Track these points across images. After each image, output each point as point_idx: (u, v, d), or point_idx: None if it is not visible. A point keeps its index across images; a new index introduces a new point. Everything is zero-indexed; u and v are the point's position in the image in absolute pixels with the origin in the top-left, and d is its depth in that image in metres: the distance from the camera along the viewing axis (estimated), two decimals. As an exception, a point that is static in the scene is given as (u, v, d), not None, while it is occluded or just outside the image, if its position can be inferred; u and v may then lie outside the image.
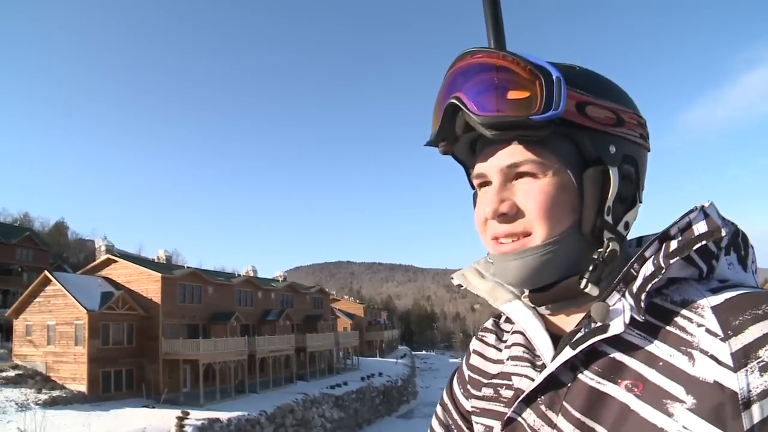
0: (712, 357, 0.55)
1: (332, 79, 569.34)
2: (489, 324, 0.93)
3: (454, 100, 0.66)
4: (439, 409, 0.97)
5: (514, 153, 0.66)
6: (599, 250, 0.66)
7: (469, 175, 0.78)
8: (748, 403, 0.52)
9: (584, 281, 0.66)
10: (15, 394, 26.13)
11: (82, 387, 28.02)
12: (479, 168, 0.70)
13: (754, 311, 0.55)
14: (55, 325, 29.77)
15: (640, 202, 0.70)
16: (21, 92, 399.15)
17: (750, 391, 0.52)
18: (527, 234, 0.66)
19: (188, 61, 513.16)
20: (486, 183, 0.70)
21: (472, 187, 0.78)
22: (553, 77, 0.63)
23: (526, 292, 0.74)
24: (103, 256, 34.16)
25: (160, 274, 31.99)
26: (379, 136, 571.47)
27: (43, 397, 26.36)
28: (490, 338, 0.90)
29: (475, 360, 0.89)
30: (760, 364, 0.52)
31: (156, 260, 38.50)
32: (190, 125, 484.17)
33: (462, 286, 0.84)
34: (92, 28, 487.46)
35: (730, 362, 0.54)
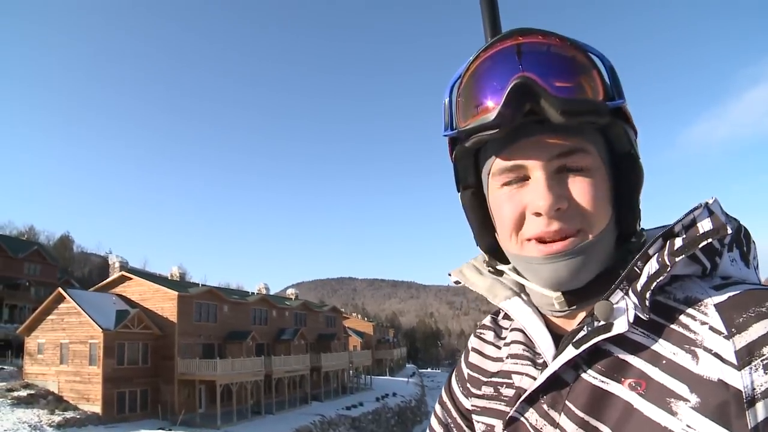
0: (716, 355, 0.54)
1: (322, 93, 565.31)
2: (487, 321, 0.90)
3: (520, 80, 0.59)
4: (437, 408, 0.93)
5: (566, 143, 0.61)
6: (633, 240, 0.67)
7: (458, 171, 0.72)
8: (752, 402, 0.51)
9: (621, 275, 0.62)
10: (27, 415, 25.34)
11: (97, 408, 27.28)
12: (514, 161, 0.63)
13: (758, 308, 0.54)
14: (68, 343, 29.10)
15: None
16: (21, 99, 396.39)
17: (754, 389, 0.51)
18: (577, 231, 0.62)
19: (188, 73, 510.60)
20: (519, 178, 0.64)
21: (458, 186, 0.74)
22: (608, 65, 0.61)
23: (550, 292, 0.66)
24: (117, 273, 33.56)
25: (176, 293, 31.41)
26: (378, 152, 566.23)
27: (56, 418, 25.59)
28: (489, 335, 0.87)
29: (474, 358, 0.87)
30: (765, 361, 0.52)
31: (170, 277, 37.83)
32: (184, 138, 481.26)
33: (459, 283, 0.81)
34: (93, 33, 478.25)
35: (734, 360, 0.53)
